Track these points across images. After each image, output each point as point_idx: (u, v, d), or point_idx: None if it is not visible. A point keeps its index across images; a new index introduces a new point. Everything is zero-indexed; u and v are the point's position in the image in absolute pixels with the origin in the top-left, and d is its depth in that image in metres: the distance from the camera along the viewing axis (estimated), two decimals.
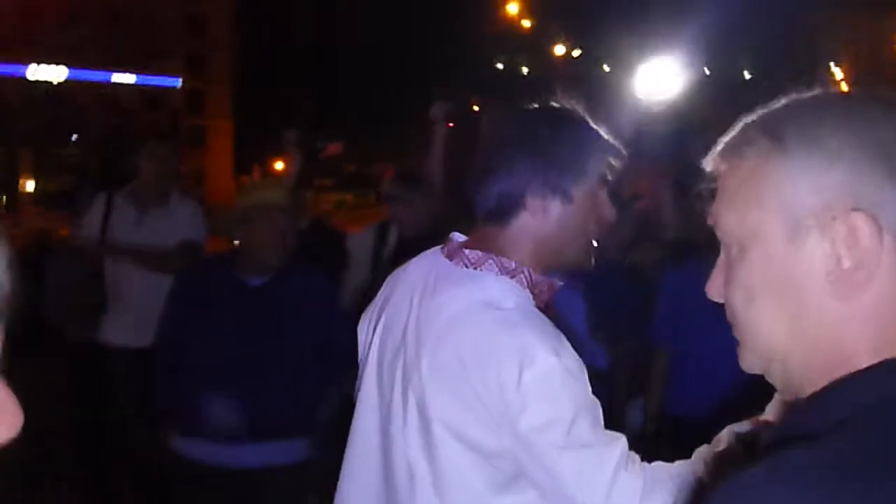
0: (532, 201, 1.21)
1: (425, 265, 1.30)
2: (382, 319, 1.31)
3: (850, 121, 0.64)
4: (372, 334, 1.33)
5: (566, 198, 1.21)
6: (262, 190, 2.37)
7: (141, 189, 3.36)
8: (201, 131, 40.66)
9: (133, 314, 3.09)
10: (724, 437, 1.09)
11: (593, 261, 1.32)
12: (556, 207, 1.21)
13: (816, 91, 0.68)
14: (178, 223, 3.28)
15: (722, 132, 0.71)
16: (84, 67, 32.78)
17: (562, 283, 1.28)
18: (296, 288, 2.30)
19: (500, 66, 12.51)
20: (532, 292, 1.22)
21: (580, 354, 1.73)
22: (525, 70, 12.20)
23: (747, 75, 12.41)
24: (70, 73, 32.20)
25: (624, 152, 1.26)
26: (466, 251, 1.24)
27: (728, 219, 0.69)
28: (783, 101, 0.68)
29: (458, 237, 1.29)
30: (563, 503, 1.10)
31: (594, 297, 2.35)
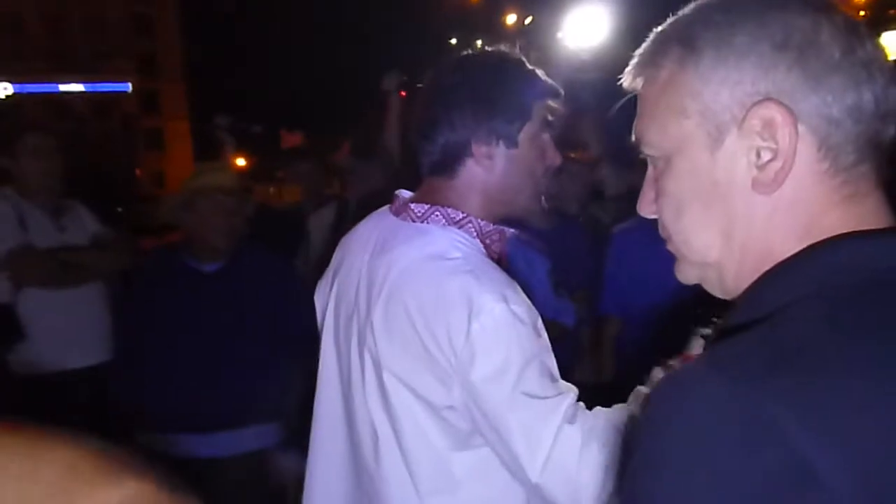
0: (478, 149, 1.19)
1: (374, 225, 1.28)
2: (336, 284, 1.30)
3: (758, 14, 0.64)
4: (328, 301, 1.31)
5: (511, 143, 1.20)
6: (206, 174, 2.31)
7: (21, 192, 2.63)
8: (159, 133, 39.92)
9: (60, 336, 2.59)
10: (656, 375, 1.09)
11: (543, 206, 1.30)
12: (501, 153, 1.19)
13: None
14: (87, 222, 2.77)
15: None
16: (30, 77, 31.89)
17: (513, 232, 1.26)
18: (251, 270, 2.26)
19: (453, 41, 12.45)
20: (482, 242, 1.20)
21: (545, 312, 1.72)
22: (479, 43, 12.23)
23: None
24: (15, 87, 31.25)
25: (562, 93, 1.25)
26: (413, 206, 1.22)
27: (650, 132, 0.69)
28: (692, 5, 0.68)
29: (405, 194, 1.27)
30: (507, 458, 1.07)
31: (555, 254, 2.34)
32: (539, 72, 1.22)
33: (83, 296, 2.65)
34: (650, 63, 0.68)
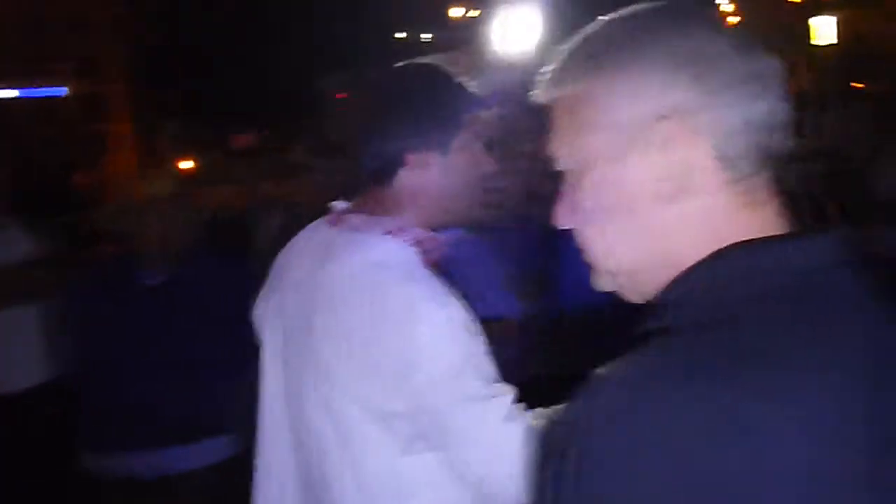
0: (412, 158, 1.22)
1: (311, 237, 1.30)
2: (276, 298, 1.31)
3: (660, 32, 0.67)
4: (268, 315, 1.32)
5: (444, 151, 1.22)
6: (147, 182, 2.27)
7: None
8: (102, 138, 38.78)
9: None
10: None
11: (483, 216, 1.35)
12: (435, 162, 1.22)
13: (630, 8, 0.71)
14: (20, 240, 2.66)
15: None
16: None
17: (450, 238, 1.29)
18: (200, 277, 2.22)
19: (401, 35, 12.45)
20: (419, 249, 1.22)
21: (494, 310, 1.73)
22: (426, 37, 12.17)
23: None
24: None
25: (493, 105, 1.30)
26: (350, 217, 1.24)
27: (561, 147, 0.71)
28: (600, 23, 0.71)
29: (342, 204, 1.30)
30: (453, 458, 1.11)
31: (503, 251, 2.37)
32: (472, 83, 1.25)
33: (16, 317, 2.58)
34: (559, 79, 0.71)
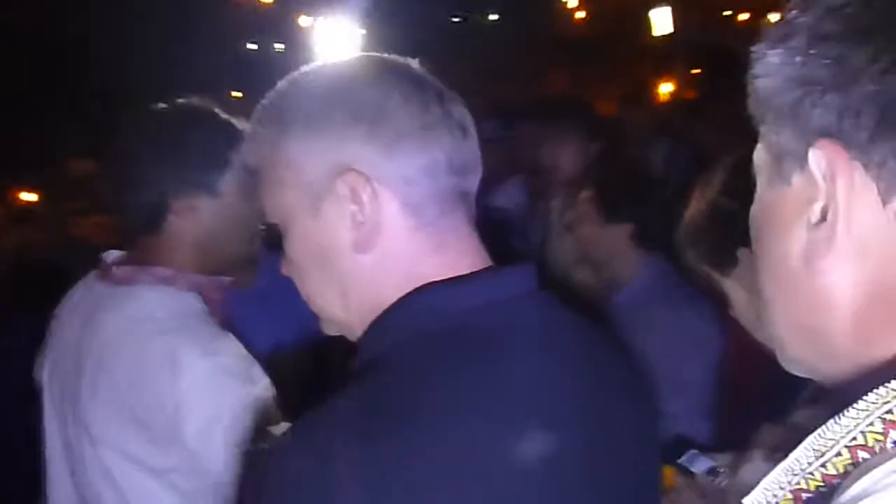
0: (177, 203, 1.17)
1: (82, 293, 1.24)
2: (50, 360, 1.25)
3: (337, 89, 0.70)
4: (45, 377, 1.25)
5: (212, 193, 1.18)
6: None
7: None
8: None
9: None
10: None
11: (260, 251, 1.29)
12: (204, 205, 1.18)
13: (320, 64, 0.74)
14: None
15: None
16: None
17: (229, 280, 1.24)
18: (23, 339, 2.00)
19: (253, 46, 12.09)
20: (199, 294, 1.18)
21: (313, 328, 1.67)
22: (279, 47, 11.88)
23: (493, 17, 13.14)
24: None
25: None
26: (116, 269, 1.19)
27: (265, 202, 0.73)
28: (289, 80, 0.73)
29: (111, 256, 1.24)
30: None
31: None
32: (234, 119, 1.20)
33: None
34: (254, 139, 0.73)
